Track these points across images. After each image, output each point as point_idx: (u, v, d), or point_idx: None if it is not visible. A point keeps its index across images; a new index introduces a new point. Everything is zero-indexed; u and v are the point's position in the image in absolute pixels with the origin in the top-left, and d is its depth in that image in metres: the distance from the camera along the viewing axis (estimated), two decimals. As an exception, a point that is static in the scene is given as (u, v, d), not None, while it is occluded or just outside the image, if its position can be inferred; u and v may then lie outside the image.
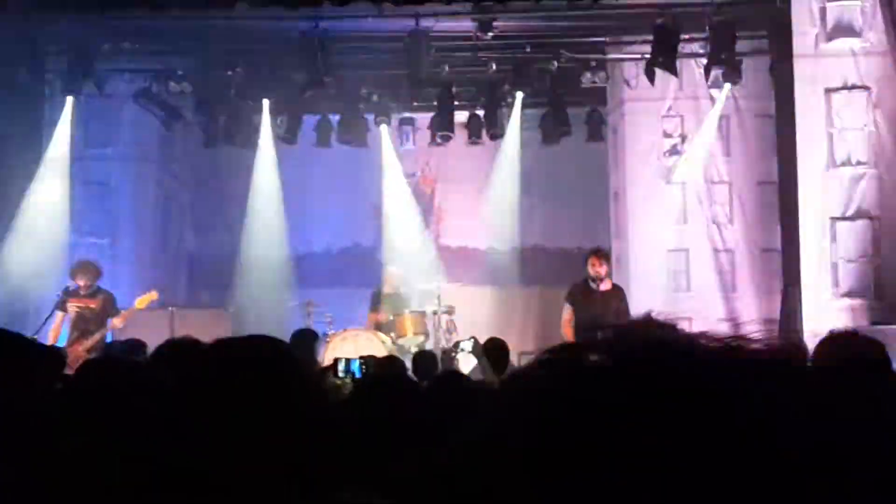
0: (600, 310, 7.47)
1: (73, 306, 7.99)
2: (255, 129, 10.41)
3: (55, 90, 9.70)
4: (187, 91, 9.86)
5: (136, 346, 6.05)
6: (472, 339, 7.17)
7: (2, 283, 8.94)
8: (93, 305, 8.04)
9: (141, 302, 8.14)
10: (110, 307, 8.10)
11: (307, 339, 6.29)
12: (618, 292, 7.72)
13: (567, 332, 7.71)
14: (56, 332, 7.76)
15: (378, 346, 8.45)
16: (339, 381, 3.23)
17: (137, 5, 7.96)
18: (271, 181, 10.59)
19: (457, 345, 7.81)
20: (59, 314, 7.95)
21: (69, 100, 9.71)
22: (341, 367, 3.22)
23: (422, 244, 10.97)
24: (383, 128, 10.68)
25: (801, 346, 0.65)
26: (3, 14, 8.15)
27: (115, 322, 7.87)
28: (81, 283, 8.04)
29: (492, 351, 6.13)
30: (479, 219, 10.99)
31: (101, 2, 7.73)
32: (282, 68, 9.62)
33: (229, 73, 9.65)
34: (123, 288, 10.05)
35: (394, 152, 10.94)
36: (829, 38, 7.82)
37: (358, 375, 3.21)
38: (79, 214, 10.15)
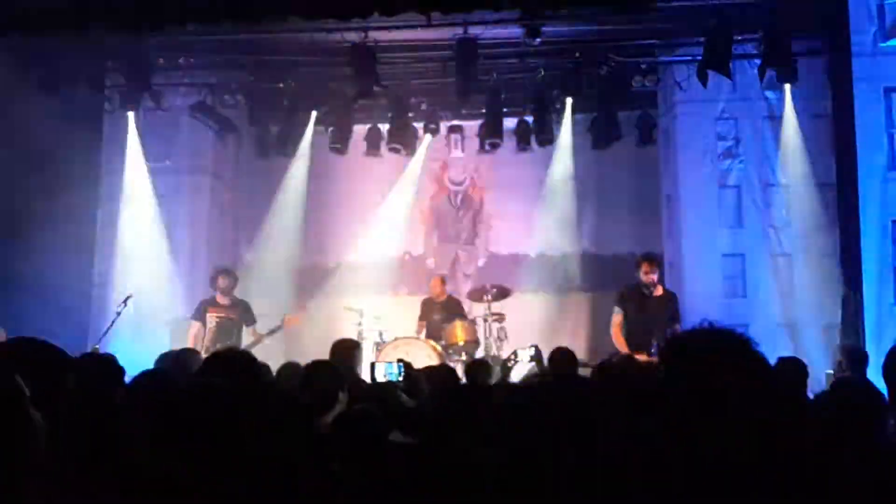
0: (652, 314, 7.39)
1: (212, 317, 7.92)
2: (307, 140, 10.57)
3: (114, 105, 9.95)
4: (241, 103, 10.05)
5: (190, 354, 6.16)
6: (534, 348, 7.11)
7: (78, 294, 9.05)
8: (233, 316, 7.98)
9: (292, 319, 8.14)
10: (248, 316, 8.04)
11: (348, 348, 6.33)
12: (670, 297, 7.62)
13: (616, 335, 7.63)
14: (192, 345, 7.54)
15: (430, 353, 8.48)
16: (391, 387, 3.25)
17: (191, 21, 8.12)
18: (304, 190, 10.73)
19: (515, 353, 7.79)
20: (195, 324, 7.89)
21: (130, 115, 9.97)
22: (381, 371, 3.24)
23: (471, 252, 10.97)
24: (427, 136, 10.74)
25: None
26: (62, 32, 8.39)
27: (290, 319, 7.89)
28: (223, 289, 7.96)
29: (559, 362, 5.87)
30: (530, 225, 10.93)
31: (156, 18, 7.90)
32: (332, 79, 9.74)
33: (281, 84, 9.81)
34: (181, 299, 10.29)
35: (427, 161, 10.97)
36: (888, 35, 7.61)
37: (397, 378, 3.22)
38: (138, 227, 10.40)
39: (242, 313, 8.04)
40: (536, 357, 6.68)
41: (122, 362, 4.08)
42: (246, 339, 8.08)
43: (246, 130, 10.75)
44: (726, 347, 1.90)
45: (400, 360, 3.15)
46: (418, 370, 4.65)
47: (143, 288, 10.08)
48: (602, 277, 10.56)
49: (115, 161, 10.15)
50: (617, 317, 7.53)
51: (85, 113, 9.74)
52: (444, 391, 2.90)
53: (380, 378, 3.28)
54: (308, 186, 10.75)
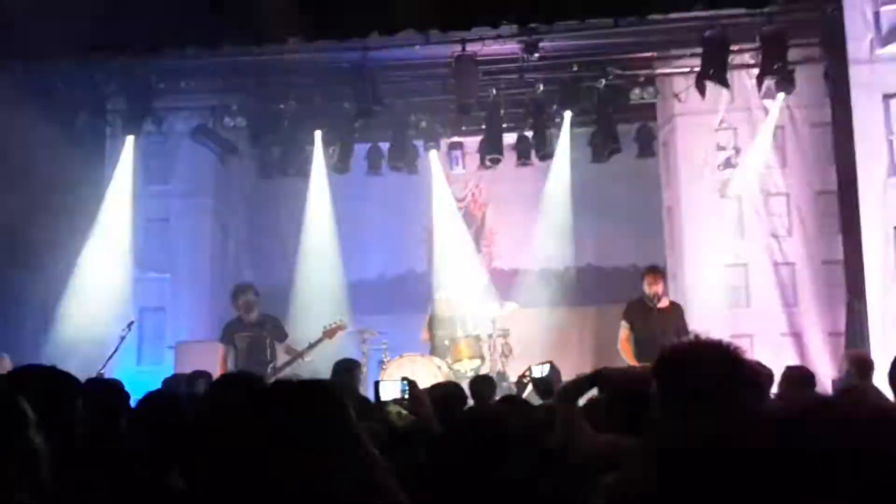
0: (658, 327, 7.39)
1: (241, 337, 7.54)
2: (308, 160, 10.58)
3: (116, 129, 10.01)
4: (242, 125, 10.10)
5: (200, 376, 6.18)
6: (549, 364, 7.03)
7: (67, 322, 9.06)
8: (263, 334, 7.58)
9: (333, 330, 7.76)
10: (278, 332, 7.67)
11: (348, 368, 6.34)
12: (675, 309, 7.62)
13: (625, 350, 7.64)
14: (223, 369, 7.28)
15: (434, 371, 8.46)
16: (393, 409, 3.24)
17: (191, 44, 8.18)
18: (324, 210, 10.71)
19: (529, 369, 7.77)
20: (222, 348, 7.58)
21: (129, 139, 10.03)
22: (386, 390, 3.21)
23: (474, 268, 10.96)
24: (433, 153, 10.75)
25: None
26: (64, 57, 8.46)
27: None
28: (245, 307, 7.54)
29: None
30: (532, 240, 10.93)
31: (156, 42, 7.96)
32: (332, 99, 9.79)
33: (282, 105, 9.86)
34: (183, 321, 10.30)
35: (443, 177, 10.98)
36: (885, 42, 7.64)
37: (402, 396, 3.21)
38: (140, 251, 10.44)
39: (272, 330, 7.68)
40: (547, 378, 6.47)
41: (127, 386, 4.08)
42: (281, 357, 7.75)
43: (247, 152, 10.79)
44: (715, 359, 1.93)
45: (404, 378, 3.14)
46: (424, 389, 4.65)
47: (146, 312, 10.12)
48: (605, 291, 10.56)
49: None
50: (624, 331, 7.55)
51: (87, 139, 9.80)
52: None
53: (385, 397, 3.28)
54: (335, 206, 10.70)
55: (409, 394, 3.19)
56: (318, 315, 10.38)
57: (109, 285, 9.67)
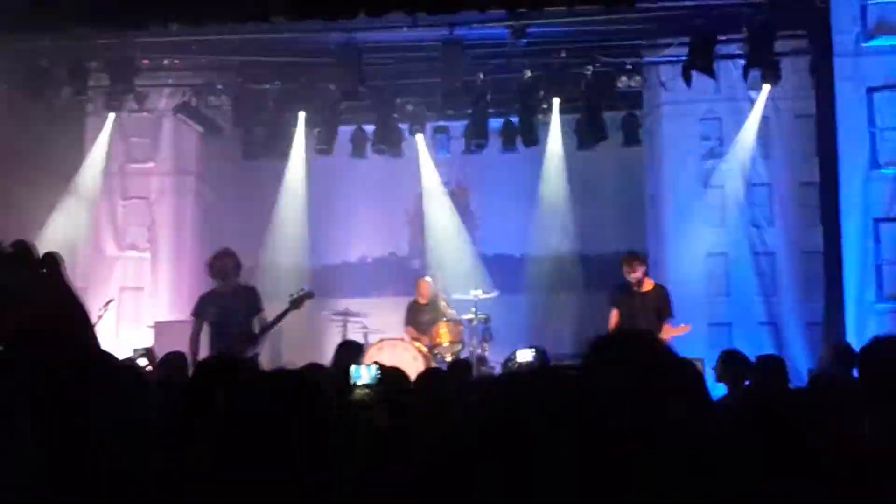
0: (642, 310, 7.44)
1: (211, 309, 6.89)
2: (293, 141, 10.52)
3: (98, 107, 9.91)
4: (226, 104, 10.02)
5: (178, 357, 6.13)
6: (535, 349, 7.06)
7: None
8: (234, 306, 6.88)
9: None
10: (253, 304, 6.93)
11: (352, 351, 6.32)
12: (660, 292, 7.66)
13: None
14: (192, 343, 6.73)
15: (414, 354, 8.47)
16: (360, 392, 3.22)
17: (175, 21, 8.09)
18: (304, 192, 10.67)
19: (514, 354, 7.81)
20: (194, 322, 6.94)
21: (110, 116, 9.93)
22: (357, 375, 3.21)
23: (459, 253, 10.96)
24: (419, 137, 10.71)
25: None
26: (46, 33, 8.35)
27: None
28: (219, 274, 6.88)
29: None
30: (516, 226, 10.95)
31: (140, 19, 7.87)
32: (318, 80, 9.72)
33: (266, 85, 9.79)
34: (164, 299, 10.24)
35: (430, 160, 10.96)
36: (871, 36, 7.67)
37: (374, 382, 3.20)
38: (120, 229, 10.36)
39: (246, 301, 6.93)
40: (537, 359, 6.47)
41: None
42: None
43: (231, 132, 10.71)
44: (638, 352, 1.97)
45: (375, 362, 3.14)
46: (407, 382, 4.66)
47: (126, 291, 10.05)
48: (588, 277, 10.60)
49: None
50: (612, 315, 7.60)
51: (68, 115, 9.70)
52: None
53: (357, 381, 3.27)
54: (310, 187, 10.62)
55: (380, 379, 3.19)
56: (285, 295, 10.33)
57: (85, 263, 9.59)
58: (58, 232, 9.33)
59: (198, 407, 2.60)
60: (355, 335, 8.95)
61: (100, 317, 7.77)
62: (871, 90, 7.65)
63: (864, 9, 7.77)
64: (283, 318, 6.86)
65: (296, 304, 6.86)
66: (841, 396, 3.84)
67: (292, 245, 10.49)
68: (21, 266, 1.43)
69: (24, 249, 1.41)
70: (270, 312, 6.94)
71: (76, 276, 9.15)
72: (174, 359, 6.01)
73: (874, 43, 7.68)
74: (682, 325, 7.42)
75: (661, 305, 7.51)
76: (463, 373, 5.96)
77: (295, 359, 6.13)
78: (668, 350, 2.07)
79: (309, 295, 6.90)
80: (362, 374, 3.47)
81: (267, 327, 6.85)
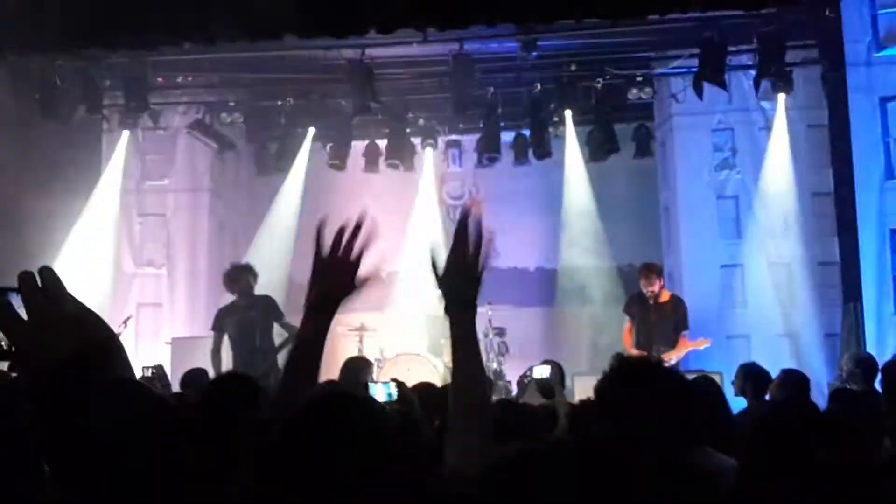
0: (658, 321, 7.43)
1: (231, 322, 6.93)
2: (303, 156, 10.58)
3: (113, 125, 9.99)
4: (239, 121, 10.08)
5: (200, 374, 6.13)
6: (550, 365, 7.03)
7: None
8: (253, 314, 6.96)
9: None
10: (273, 312, 7.01)
11: (359, 366, 6.30)
12: (676, 303, 7.64)
13: (626, 342, 7.70)
14: (216, 357, 6.85)
15: (430, 370, 8.46)
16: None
17: (188, 40, 8.15)
18: (318, 207, 10.69)
19: (531, 369, 7.79)
20: (214, 335, 7.02)
21: (125, 134, 10.01)
22: (376, 392, 3.20)
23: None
24: (429, 151, 10.74)
25: None
26: (60, 52, 8.43)
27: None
28: (233, 286, 6.96)
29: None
30: (529, 239, 10.93)
31: (153, 38, 7.93)
32: (330, 95, 9.77)
33: (279, 102, 9.85)
34: (181, 315, 10.29)
35: (436, 175, 10.97)
36: (882, 46, 7.66)
37: (392, 398, 3.19)
38: (137, 246, 10.42)
39: (264, 310, 6.98)
40: (548, 379, 6.33)
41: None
42: (277, 338, 7.23)
43: (244, 148, 10.77)
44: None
45: (393, 380, 3.14)
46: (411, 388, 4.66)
47: (143, 307, 10.11)
48: (602, 290, 10.56)
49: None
50: (627, 324, 7.63)
51: (83, 134, 9.77)
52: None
53: (382, 398, 3.27)
54: (304, 202, 10.65)
55: (399, 396, 3.19)
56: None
57: (104, 281, 9.64)
58: (76, 250, 9.40)
59: (214, 426, 2.60)
60: (371, 351, 8.95)
61: (119, 334, 7.77)
62: (884, 100, 7.63)
63: (874, 18, 7.76)
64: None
65: None
66: (863, 412, 3.83)
67: (277, 260, 10.43)
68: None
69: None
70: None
71: (95, 293, 9.23)
72: (197, 376, 6.01)
73: (886, 52, 7.66)
74: (702, 339, 7.39)
75: (677, 317, 7.49)
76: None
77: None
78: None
79: None
80: (377, 392, 3.45)
81: (289, 338, 6.86)
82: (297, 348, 1.98)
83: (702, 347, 7.23)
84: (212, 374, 6.23)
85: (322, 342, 1.94)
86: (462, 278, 1.93)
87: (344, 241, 1.95)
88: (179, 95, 10.10)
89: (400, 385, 3.40)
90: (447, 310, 1.94)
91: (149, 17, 7.44)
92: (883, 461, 3.04)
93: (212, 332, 7.19)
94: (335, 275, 1.93)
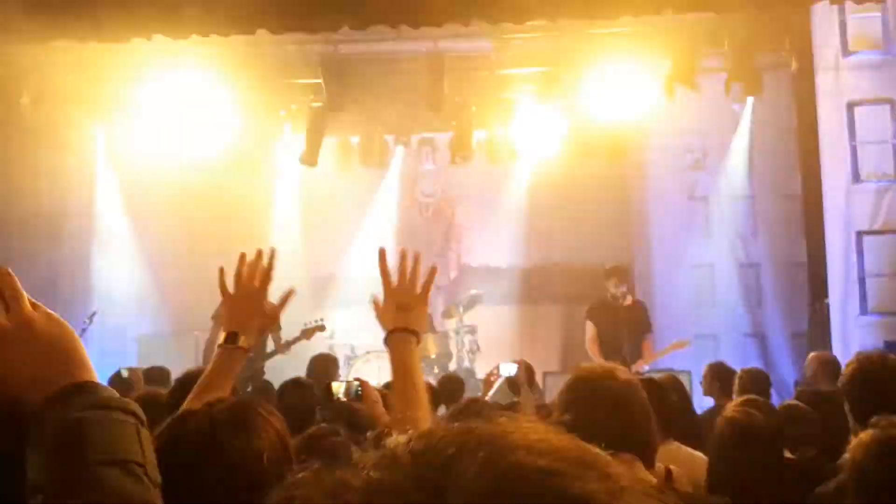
0: (622, 326, 7.46)
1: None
2: (276, 153, 10.49)
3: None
4: (210, 116, 9.94)
5: (163, 373, 6.09)
6: (517, 363, 7.03)
7: None
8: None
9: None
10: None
11: (326, 364, 6.28)
12: (640, 308, 7.69)
13: (593, 350, 7.71)
14: (213, 347, 6.74)
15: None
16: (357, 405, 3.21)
17: (159, 33, 8.04)
18: (292, 204, 10.64)
19: (497, 367, 7.78)
20: (215, 327, 6.80)
21: (102, 128, 9.88)
22: (338, 391, 3.17)
23: (443, 264, 10.94)
24: (402, 149, 10.72)
25: None
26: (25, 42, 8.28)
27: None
28: None
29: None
30: (501, 237, 10.95)
31: (124, 31, 7.81)
32: (302, 92, 9.70)
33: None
34: (149, 317, 10.16)
35: (411, 173, 10.97)
36: (851, 50, 7.76)
37: (356, 398, 3.16)
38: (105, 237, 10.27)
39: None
40: (518, 375, 6.32)
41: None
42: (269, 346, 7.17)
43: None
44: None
45: (357, 379, 3.11)
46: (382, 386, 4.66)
47: (112, 303, 9.94)
48: (573, 288, 10.60)
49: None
50: (590, 331, 7.62)
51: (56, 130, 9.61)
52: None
53: (342, 398, 3.24)
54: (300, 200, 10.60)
55: (363, 395, 3.16)
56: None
57: (69, 274, 9.51)
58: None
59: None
60: (342, 348, 8.91)
61: (84, 329, 7.68)
62: (851, 104, 7.74)
63: (843, 23, 7.86)
64: (291, 346, 6.83)
65: (307, 335, 6.83)
66: (826, 411, 3.88)
67: (290, 258, 10.40)
68: None
69: None
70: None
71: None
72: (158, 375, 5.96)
73: (854, 57, 7.77)
74: (681, 340, 7.42)
75: (641, 320, 7.54)
76: (455, 389, 5.91)
77: (279, 373, 6.11)
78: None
79: (321, 328, 6.84)
80: (339, 391, 3.40)
81: (275, 351, 6.86)
82: (206, 376, 2.03)
83: (682, 349, 7.29)
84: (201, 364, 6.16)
85: (230, 376, 2.02)
86: (396, 309, 2.09)
87: (245, 274, 2.08)
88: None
89: (363, 384, 3.37)
90: (385, 339, 2.11)
91: (121, 9, 7.33)
92: (846, 460, 3.10)
93: (212, 320, 7.05)
94: (243, 310, 2.07)
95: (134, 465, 1.04)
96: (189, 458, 1.48)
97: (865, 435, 2.26)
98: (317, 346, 8.68)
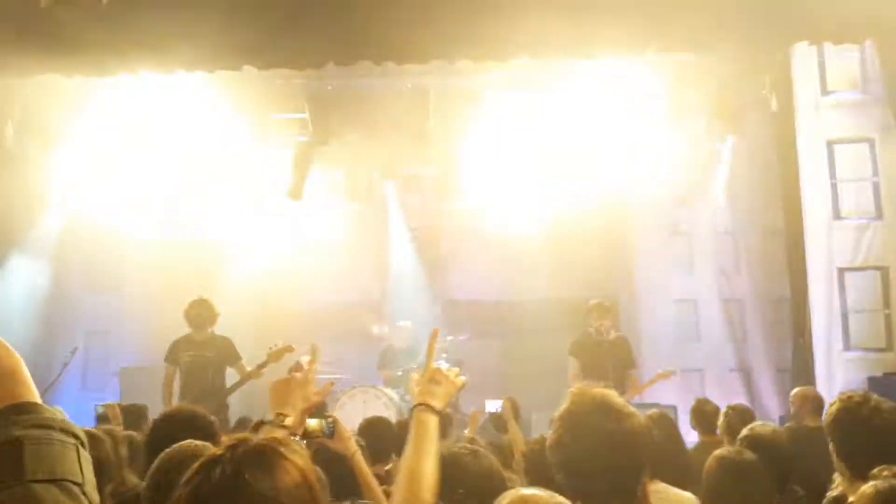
0: (606, 360, 7.44)
1: (185, 355, 6.91)
2: (262, 187, 10.49)
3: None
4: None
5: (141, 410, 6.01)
6: (504, 400, 7.00)
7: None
8: (209, 354, 6.93)
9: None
10: (229, 355, 6.96)
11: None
12: (623, 343, 7.69)
13: (574, 384, 7.68)
14: (168, 390, 6.84)
15: (385, 402, 8.40)
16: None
17: (147, 69, 8.07)
18: (279, 237, 10.62)
19: (483, 405, 7.74)
20: (168, 368, 7.00)
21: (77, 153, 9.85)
22: (317, 426, 3.15)
23: (429, 299, 10.93)
24: (389, 184, 10.76)
25: None
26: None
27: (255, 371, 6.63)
28: (193, 322, 6.91)
29: None
30: (487, 271, 10.95)
31: (111, 66, 7.84)
32: (289, 127, 9.74)
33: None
34: (131, 342, 10.06)
35: (399, 208, 10.99)
36: (830, 90, 7.90)
37: (328, 436, 3.14)
38: (85, 270, 10.20)
39: (220, 351, 6.92)
40: (505, 412, 6.23)
41: (70, 413, 3.95)
42: (230, 380, 7.11)
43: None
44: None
45: (328, 416, 3.09)
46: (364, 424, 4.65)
47: (92, 335, 9.85)
48: (559, 322, 10.58)
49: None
50: (573, 367, 7.59)
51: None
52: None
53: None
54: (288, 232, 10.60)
55: (334, 432, 3.15)
56: (271, 340, 10.20)
57: (52, 306, 9.44)
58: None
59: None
60: (324, 381, 8.83)
61: (65, 364, 7.54)
62: (830, 143, 7.86)
63: (822, 63, 8.01)
64: (262, 371, 6.73)
65: (274, 357, 6.70)
66: (815, 447, 3.88)
67: (277, 291, 10.38)
68: None
69: None
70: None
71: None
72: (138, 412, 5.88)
73: (833, 97, 7.91)
74: (666, 370, 7.41)
75: (624, 355, 7.54)
76: (441, 425, 5.83)
77: (264, 409, 6.04)
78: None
79: (289, 349, 6.74)
80: (314, 427, 3.36)
81: (242, 380, 6.78)
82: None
83: (668, 378, 7.28)
84: (165, 405, 6.12)
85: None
86: (435, 387, 2.23)
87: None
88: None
89: (335, 421, 3.34)
90: (414, 408, 2.20)
91: (108, 45, 7.36)
92: (833, 497, 3.10)
93: (165, 364, 7.08)
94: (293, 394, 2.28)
95: (71, 485, 1.06)
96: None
97: (868, 487, 2.25)
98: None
